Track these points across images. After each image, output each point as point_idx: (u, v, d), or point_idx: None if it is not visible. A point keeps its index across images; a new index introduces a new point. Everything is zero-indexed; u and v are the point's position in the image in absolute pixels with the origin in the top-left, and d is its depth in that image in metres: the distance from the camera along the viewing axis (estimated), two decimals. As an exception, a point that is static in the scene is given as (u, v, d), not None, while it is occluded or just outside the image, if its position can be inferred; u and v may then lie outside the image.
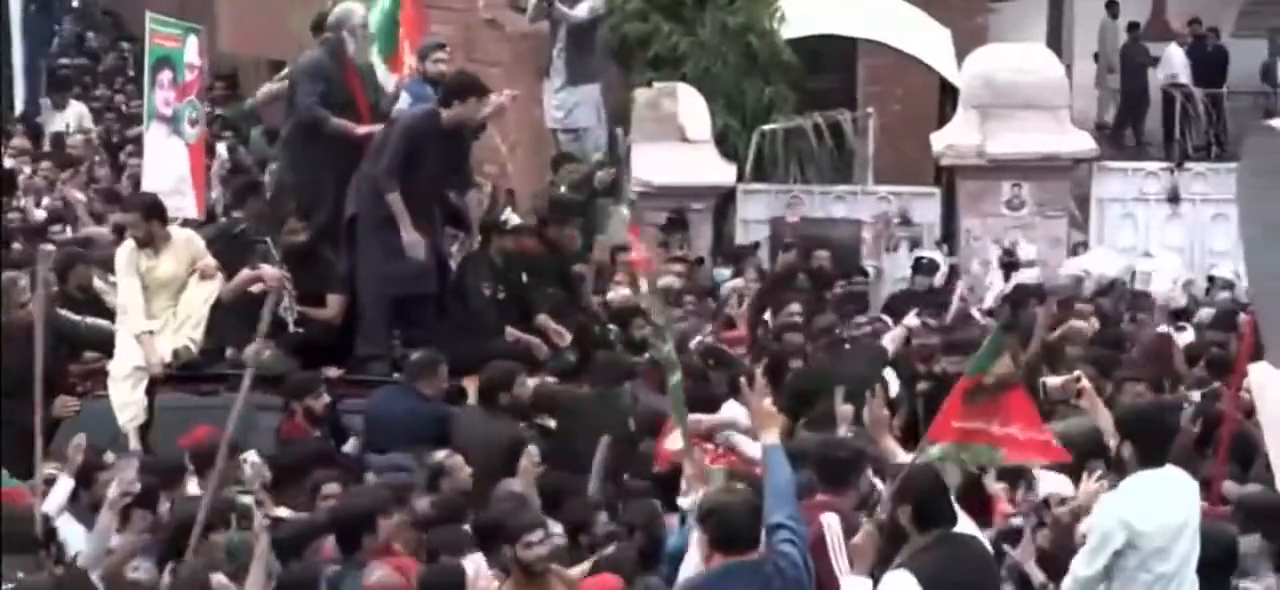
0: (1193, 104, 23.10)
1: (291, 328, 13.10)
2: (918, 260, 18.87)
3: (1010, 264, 19.09)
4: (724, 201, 20.54)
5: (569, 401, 12.72)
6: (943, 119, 21.87)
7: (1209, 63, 24.98)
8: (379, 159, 13.21)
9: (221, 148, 23.39)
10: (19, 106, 27.48)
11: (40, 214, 19.67)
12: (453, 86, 13.47)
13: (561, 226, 14.57)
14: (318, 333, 13.23)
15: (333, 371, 12.99)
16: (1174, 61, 24.58)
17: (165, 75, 15.05)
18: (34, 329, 12.63)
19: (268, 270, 13.02)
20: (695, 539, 8.75)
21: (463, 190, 13.90)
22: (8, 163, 21.82)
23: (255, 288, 12.90)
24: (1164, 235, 20.83)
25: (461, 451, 11.83)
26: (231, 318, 13.06)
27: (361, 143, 13.45)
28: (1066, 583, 9.00)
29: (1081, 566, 8.93)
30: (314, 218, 13.49)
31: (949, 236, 20.54)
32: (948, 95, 22.32)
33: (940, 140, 20.77)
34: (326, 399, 12.36)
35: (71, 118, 23.98)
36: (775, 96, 21.34)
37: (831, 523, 9.04)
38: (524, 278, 13.97)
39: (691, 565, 8.75)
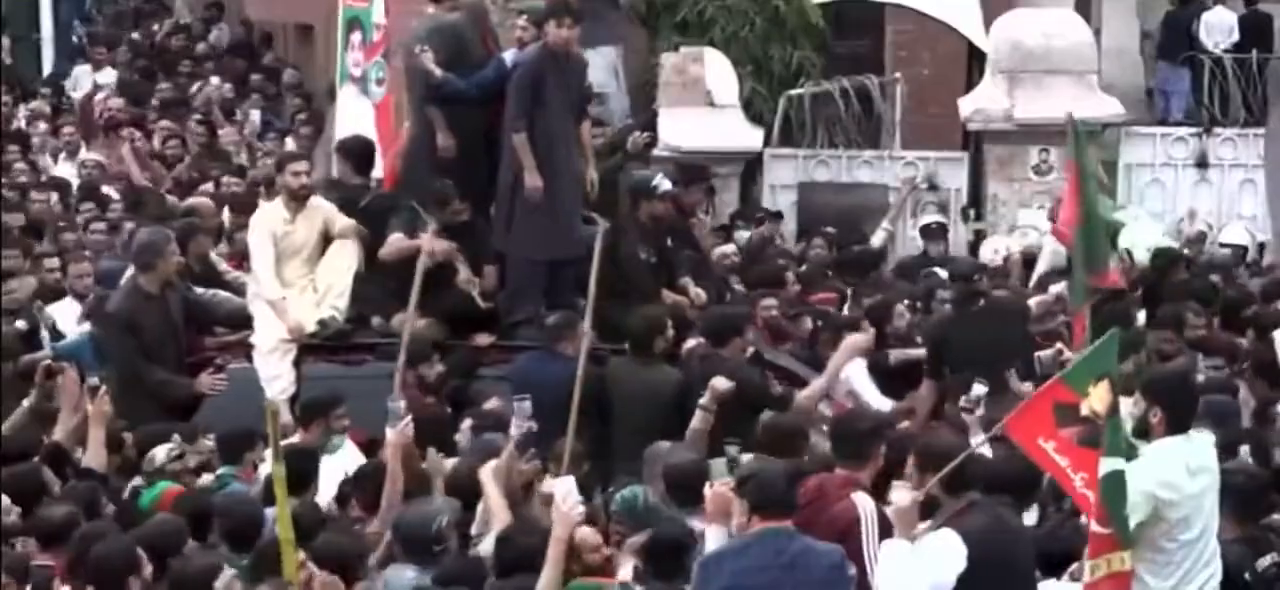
0: (1222, 68, 22.98)
1: (479, 300, 13.04)
2: (925, 226, 18.78)
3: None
4: (751, 166, 20.53)
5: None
6: (970, 84, 21.83)
7: (1256, 28, 24.77)
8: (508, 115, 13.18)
9: (254, 114, 23.46)
10: (47, 67, 27.54)
11: (59, 171, 19.77)
12: (547, 10, 13.38)
13: (687, 187, 14.51)
14: (456, 301, 13.09)
15: (484, 338, 12.94)
16: (1214, 27, 24.42)
17: (356, 37, 15.03)
18: (169, 290, 12.66)
19: (437, 242, 12.90)
20: (709, 531, 8.85)
21: (578, 120, 13.74)
22: (21, 124, 21.94)
23: (424, 258, 12.77)
24: (1192, 200, 20.77)
25: (623, 405, 11.75)
26: (375, 286, 12.99)
27: (493, 107, 13.37)
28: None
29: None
30: (468, 190, 13.32)
31: (976, 202, 20.52)
32: (975, 60, 22.26)
33: (968, 105, 20.75)
34: (440, 368, 12.29)
35: (103, 80, 24.03)
36: (803, 61, 21.29)
37: (867, 506, 9.03)
38: (668, 242, 14.04)
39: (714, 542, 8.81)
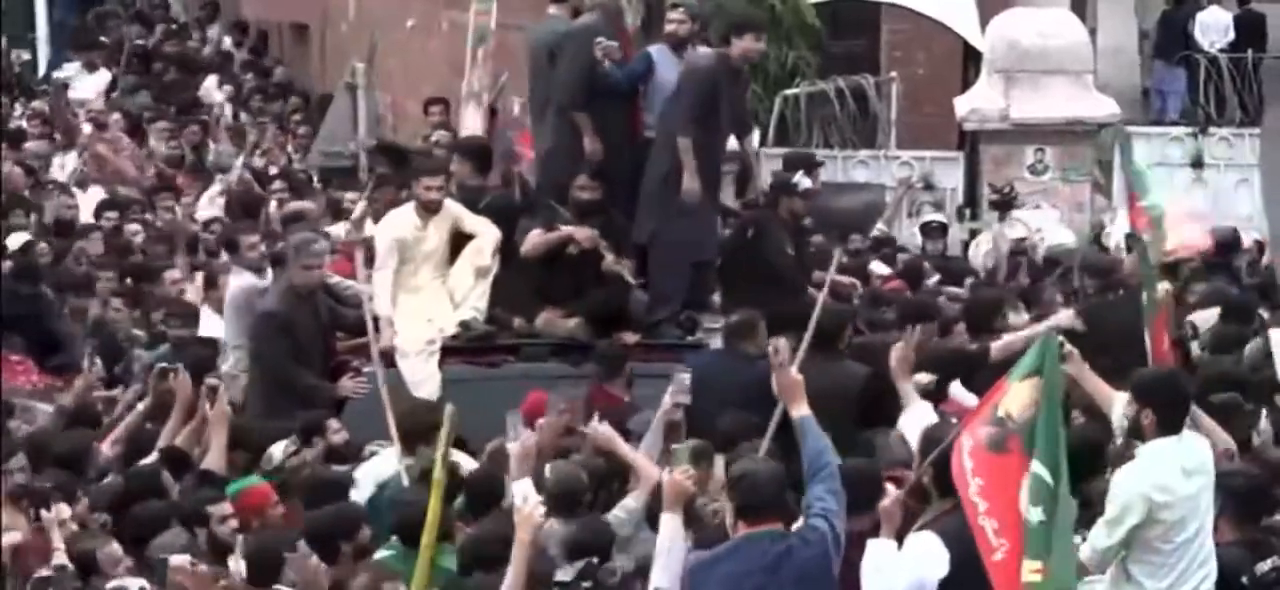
0: (1217, 69, 23.02)
1: (630, 280, 13.00)
2: (925, 224, 18.77)
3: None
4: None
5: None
6: (966, 83, 21.86)
7: (1251, 27, 24.81)
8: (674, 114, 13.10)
9: (226, 109, 23.43)
10: (42, 67, 27.60)
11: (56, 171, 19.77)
12: (737, 22, 13.39)
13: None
14: (601, 300, 13.00)
15: (630, 337, 12.85)
16: (1209, 27, 24.47)
17: (480, 51, 15.11)
18: (315, 293, 12.63)
19: (579, 231, 12.87)
20: (665, 519, 8.92)
21: (743, 134, 13.77)
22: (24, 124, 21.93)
23: (571, 249, 12.75)
24: (1188, 200, 20.78)
25: (811, 403, 11.65)
26: (513, 286, 12.94)
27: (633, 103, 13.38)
28: (1084, 551, 8.95)
29: (1100, 538, 8.87)
30: (610, 187, 13.22)
31: (972, 201, 20.53)
32: (971, 59, 22.30)
33: (964, 104, 20.77)
34: (630, 364, 12.26)
35: (96, 85, 24.06)
36: (798, 60, 21.32)
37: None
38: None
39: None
